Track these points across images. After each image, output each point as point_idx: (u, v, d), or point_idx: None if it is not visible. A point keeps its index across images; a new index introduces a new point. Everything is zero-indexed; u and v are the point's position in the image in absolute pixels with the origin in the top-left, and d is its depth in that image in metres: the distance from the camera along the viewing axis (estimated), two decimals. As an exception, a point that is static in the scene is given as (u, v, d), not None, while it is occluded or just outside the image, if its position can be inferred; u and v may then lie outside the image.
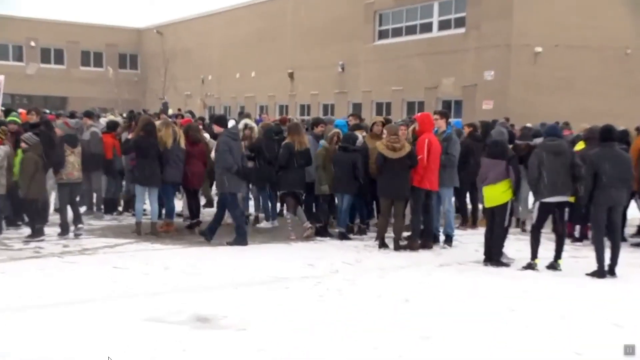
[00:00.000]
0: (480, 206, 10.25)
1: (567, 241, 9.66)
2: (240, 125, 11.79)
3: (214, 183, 11.25)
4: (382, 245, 9.88)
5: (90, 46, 47.04)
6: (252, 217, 11.97)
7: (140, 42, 49.43)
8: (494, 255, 8.89)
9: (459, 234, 10.81)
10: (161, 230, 10.70)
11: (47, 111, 20.06)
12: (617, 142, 8.95)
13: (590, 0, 24.60)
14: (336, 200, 10.95)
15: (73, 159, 10.17)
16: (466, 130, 12.35)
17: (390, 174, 9.67)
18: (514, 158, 8.95)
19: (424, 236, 9.99)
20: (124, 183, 12.47)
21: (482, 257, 9.04)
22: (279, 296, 7.10)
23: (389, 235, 10.06)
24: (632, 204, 11.00)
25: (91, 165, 11.27)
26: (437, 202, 10.23)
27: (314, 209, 11.16)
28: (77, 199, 10.68)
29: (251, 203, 12.22)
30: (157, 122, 11.18)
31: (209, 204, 12.11)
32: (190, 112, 20.91)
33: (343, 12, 31.62)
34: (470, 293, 7.42)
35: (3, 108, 14.60)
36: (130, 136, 11.50)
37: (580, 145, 10.50)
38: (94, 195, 12.21)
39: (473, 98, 25.43)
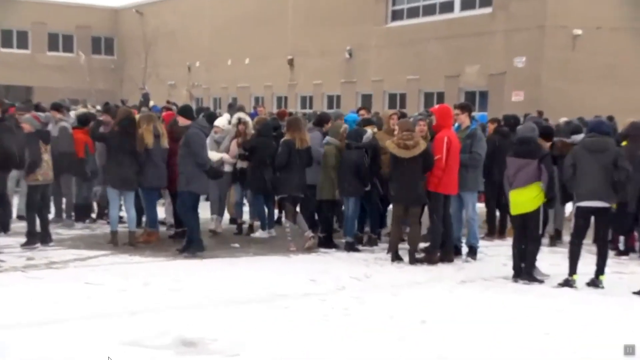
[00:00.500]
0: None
1: (611, 254, 9.65)
2: (233, 120, 11.83)
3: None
4: (396, 257, 9.89)
5: (59, 28, 47.08)
6: (246, 226, 12.00)
7: (117, 24, 49.50)
8: (525, 270, 8.89)
9: (484, 245, 10.83)
10: (141, 240, 10.73)
11: (8, 102, 20.07)
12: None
13: (638, -25, 24.64)
14: (343, 206, 10.97)
15: (47, 157, 10.23)
16: (490, 127, 12.37)
17: (403, 176, 9.68)
18: (547, 157, 8.90)
19: (444, 248, 10.00)
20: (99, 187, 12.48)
21: (511, 272, 9.05)
22: (277, 316, 7.10)
23: (403, 246, 10.07)
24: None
25: (60, 165, 11.23)
26: (459, 208, 10.24)
27: (316, 216, 11.18)
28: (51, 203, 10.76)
29: (245, 209, 12.25)
30: (137, 116, 11.18)
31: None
32: (174, 104, 20.90)
33: (351, -11, 31.70)
34: (497, 314, 7.43)
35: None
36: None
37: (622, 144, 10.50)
38: (64, 200, 12.22)
39: (501, 88, 25.43)
